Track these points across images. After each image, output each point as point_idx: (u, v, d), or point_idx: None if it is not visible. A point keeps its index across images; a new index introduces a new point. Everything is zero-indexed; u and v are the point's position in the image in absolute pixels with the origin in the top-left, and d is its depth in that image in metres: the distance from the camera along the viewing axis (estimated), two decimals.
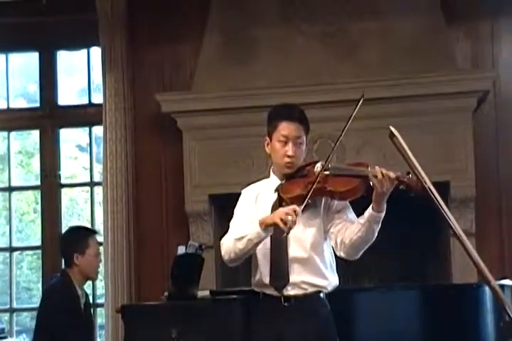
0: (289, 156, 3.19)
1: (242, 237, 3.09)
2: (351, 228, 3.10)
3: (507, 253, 5.43)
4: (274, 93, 5.22)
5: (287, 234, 2.98)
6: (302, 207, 3.01)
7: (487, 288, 3.68)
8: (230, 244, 3.14)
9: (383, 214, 3.05)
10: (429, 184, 2.77)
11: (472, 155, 5.40)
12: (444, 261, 5.51)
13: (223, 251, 3.18)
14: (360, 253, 3.15)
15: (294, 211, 2.96)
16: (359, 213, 3.15)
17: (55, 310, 4.11)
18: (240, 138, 5.52)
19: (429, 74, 5.38)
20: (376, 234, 3.08)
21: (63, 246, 4.38)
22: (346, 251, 3.14)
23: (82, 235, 4.35)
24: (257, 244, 3.10)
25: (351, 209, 3.20)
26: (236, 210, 3.31)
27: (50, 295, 4.23)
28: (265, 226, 3.03)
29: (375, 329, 3.84)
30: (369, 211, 3.05)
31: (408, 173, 2.98)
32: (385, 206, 3.04)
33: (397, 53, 5.51)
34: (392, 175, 3.00)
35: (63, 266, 4.39)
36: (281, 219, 2.94)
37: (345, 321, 3.65)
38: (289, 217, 2.93)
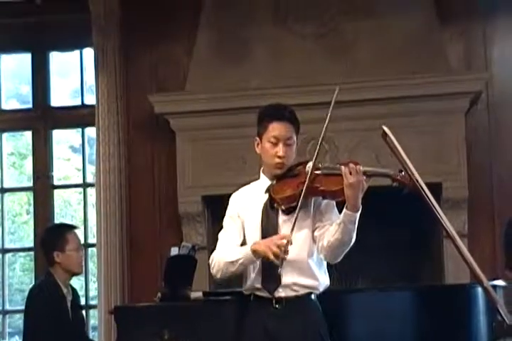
0: (279, 157, 3.18)
1: (235, 261, 3.12)
2: (329, 230, 3.09)
3: (499, 254, 5.43)
4: (267, 94, 5.21)
5: (281, 266, 3.00)
6: (292, 226, 3.01)
7: (480, 289, 3.68)
8: (221, 265, 3.17)
9: (358, 214, 3.01)
10: (421, 183, 2.78)
11: (464, 156, 5.40)
12: (437, 262, 5.52)
13: (214, 270, 3.21)
14: (340, 257, 3.13)
15: (285, 240, 2.97)
16: None
17: (40, 312, 4.10)
18: (233, 139, 5.51)
19: (422, 75, 5.39)
20: (354, 236, 3.05)
21: (43, 247, 4.37)
22: (325, 254, 3.13)
23: (59, 232, 4.35)
24: (246, 266, 3.15)
25: (337, 212, 3.18)
26: (225, 220, 3.31)
27: (34, 298, 4.22)
28: (257, 255, 3.07)
29: (367, 331, 3.84)
30: (344, 211, 3.03)
31: (401, 171, 2.98)
32: (360, 206, 3.01)
33: (390, 54, 5.52)
34: (360, 168, 2.99)
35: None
36: (273, 253, 2.97)
37: (338, 322, 3.64)
38: (281, 250, 2.96)
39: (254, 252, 3.06)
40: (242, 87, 5.57)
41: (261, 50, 5.69)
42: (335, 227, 3.05)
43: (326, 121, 3.13)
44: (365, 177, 3.02)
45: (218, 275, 3.20)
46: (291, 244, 2.98)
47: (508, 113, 5.62)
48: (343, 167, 3.03)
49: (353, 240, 3.06)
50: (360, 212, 3.02)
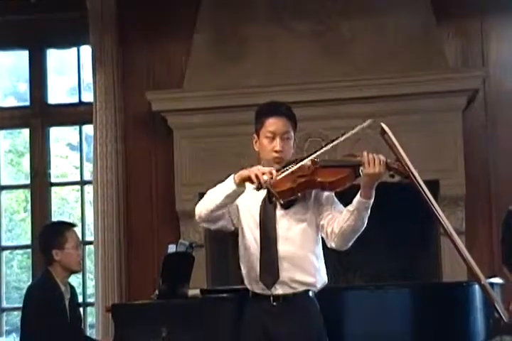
0: (276, 151, 3.19)
1: (217, 192, 3.12)
2: (340, 217, 3.09)
3: (497, 252, 5.44)
4: (264, 92, 5.21)
5: (257, 189, 3.01)
6: (281, 175, 3.03)
7: (477, 286, 3.69)
8: (203, 201, 3.17)
9: (371, 201, 3.03)
10: (419, 179, 2.79)
11: (462, 153, 5.41)
12: (435, 259, 5.53)
13: (196, 211, 3.19)
14: (350, 243, 3.13)
15: (271, 173, 2.99)
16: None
17: (37, 311, 4.08)
18: (230, 136, 5.51)
19: (419, 72, 5.39)
20: (366, 222, 3.06)
21: (41, 245, 4.35)
22: (337, 241, 3.13)
23: (57, 230, 4.31)
24: (229, 198, 3.10)
25: (338, 201, 3.19)
26: None
27: (32, 297, 4.19)
28: (239, 179, 3.05)
29: (365, 328, 3.84)
30: (357, 198, 3.04)
31: (397, 160, 3.00)
32: (374, 193, 3.03)
33: (387, 52, 5.52)
34: (382, 157, 3.00)
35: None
36: (256, 176, 2.97)
37: (335, 320, 3.65)
38: (264, 176, 2.97)
39: (237, 176, 3.05)
40: (240, 84, 5.57)
41: (258, 48, 5.68)
42: (347, 214, 3.07)
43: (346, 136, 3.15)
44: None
45: (197, 215, 3.18)
46: (274, 178, 2.99)
47: (504, 110, 5.63)
48: (365, 153, 3.03)
49: (365, 225, 3.08)
50: (373, 198, 3.03)
